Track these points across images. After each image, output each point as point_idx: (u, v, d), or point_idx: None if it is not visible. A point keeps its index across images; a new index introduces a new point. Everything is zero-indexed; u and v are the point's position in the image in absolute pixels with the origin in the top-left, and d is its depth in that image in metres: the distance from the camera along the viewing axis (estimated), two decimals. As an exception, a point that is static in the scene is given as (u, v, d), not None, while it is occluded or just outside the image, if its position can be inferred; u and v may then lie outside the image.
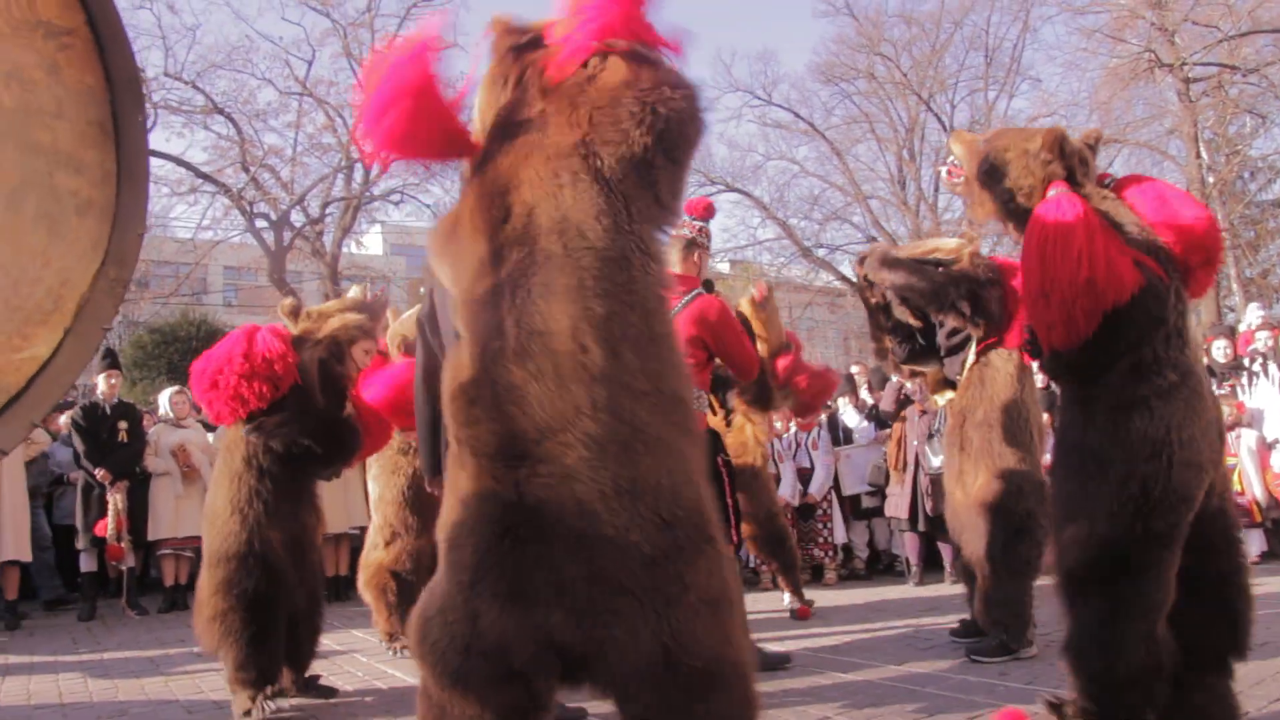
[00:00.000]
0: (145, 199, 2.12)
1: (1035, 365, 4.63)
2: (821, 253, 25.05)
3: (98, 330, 2.03)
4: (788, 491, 7.91)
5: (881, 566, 8.71)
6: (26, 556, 7.62)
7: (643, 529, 1.81)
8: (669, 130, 2.02)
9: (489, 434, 1.89)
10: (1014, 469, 4.70)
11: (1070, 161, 3.02)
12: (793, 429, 8.25)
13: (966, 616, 5.34)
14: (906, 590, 7.51)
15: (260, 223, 21.60)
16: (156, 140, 22.18)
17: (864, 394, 9.43)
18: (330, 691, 4.49)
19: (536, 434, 1.84)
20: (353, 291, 4.93)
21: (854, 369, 10.29)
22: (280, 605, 4.05)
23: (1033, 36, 25.03)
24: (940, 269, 4.85)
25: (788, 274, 26.21)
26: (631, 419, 1.86)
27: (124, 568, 7.87)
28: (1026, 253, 2.82)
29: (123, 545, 7.73)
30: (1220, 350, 8.57)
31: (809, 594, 6.75)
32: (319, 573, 4.58)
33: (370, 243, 29.48)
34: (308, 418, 4.15)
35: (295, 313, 4.49)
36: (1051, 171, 3.00)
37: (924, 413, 7.16)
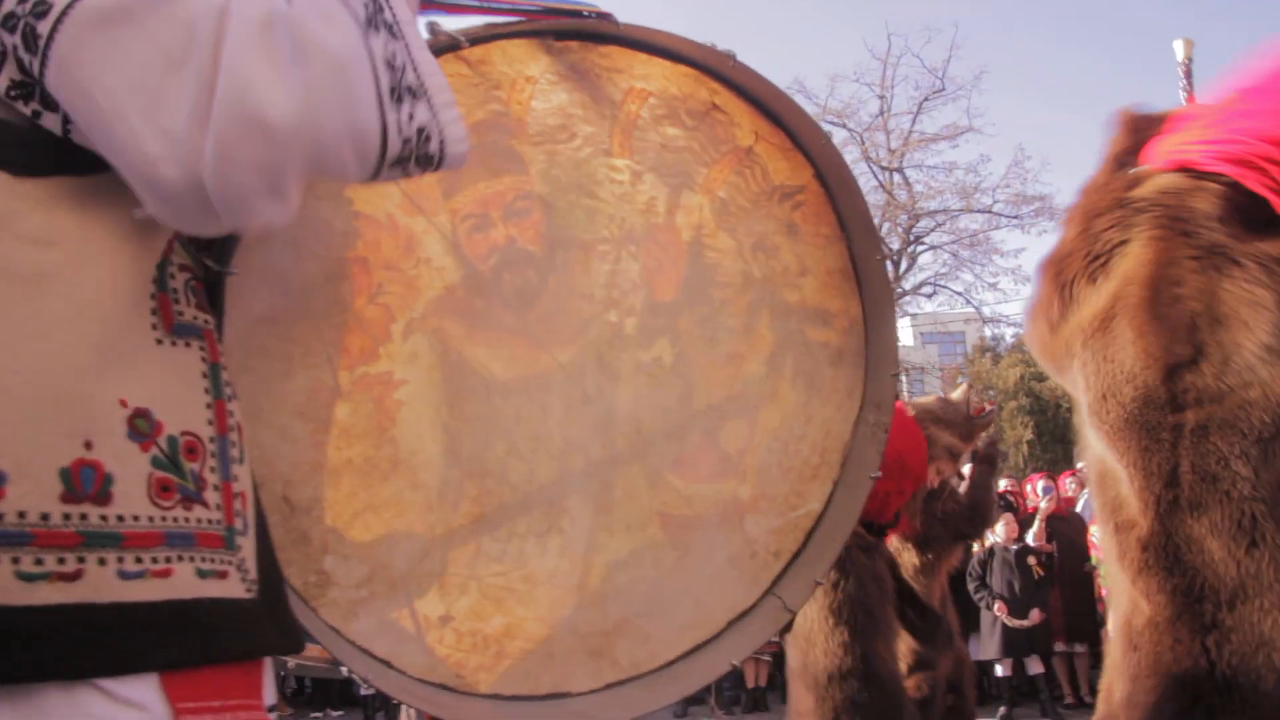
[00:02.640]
0: (894, 339, 2.08)
1: None
2: None
3: (865, 478, 2.00)
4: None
5: None
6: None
7: None
8: None
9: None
10: None
11: None
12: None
13: None
14: None
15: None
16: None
17: None
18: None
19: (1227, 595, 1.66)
20: (957, 393, 4.64)
21: None
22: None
23: None
24: None
25: None
26: None
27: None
28: None
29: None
30: None
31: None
32: None
33: (902, 335, 29.65)
34: None
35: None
36: None
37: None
